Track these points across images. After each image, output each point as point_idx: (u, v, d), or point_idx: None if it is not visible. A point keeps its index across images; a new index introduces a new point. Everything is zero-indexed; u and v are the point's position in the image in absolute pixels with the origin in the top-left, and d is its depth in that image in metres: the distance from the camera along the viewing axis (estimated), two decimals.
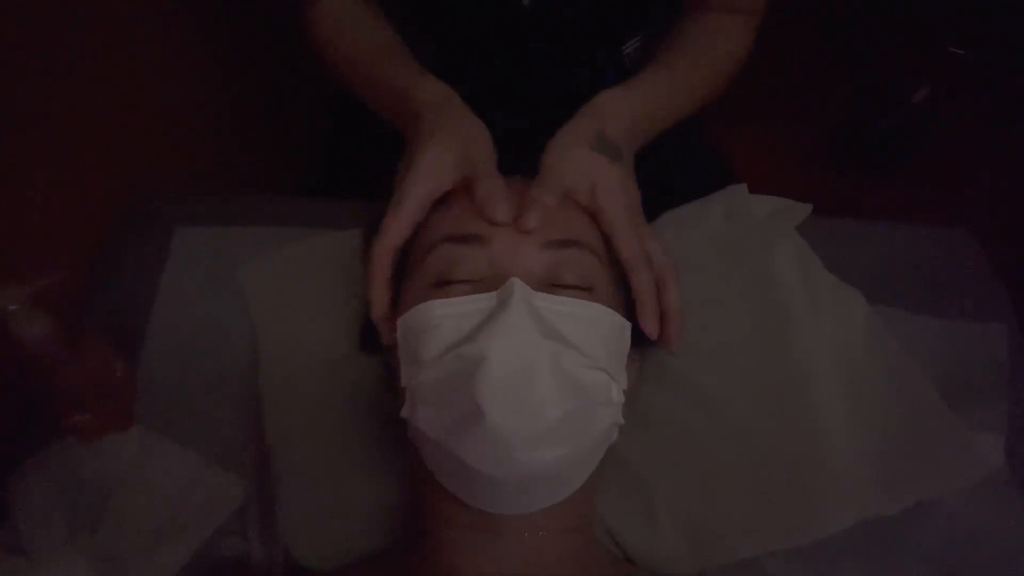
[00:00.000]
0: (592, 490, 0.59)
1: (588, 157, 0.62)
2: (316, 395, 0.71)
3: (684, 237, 0.78)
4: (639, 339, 0.60)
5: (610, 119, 0.66)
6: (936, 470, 0.66)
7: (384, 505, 0.66)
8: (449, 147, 0.61)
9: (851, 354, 0.72)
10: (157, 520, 0.65)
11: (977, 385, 0.73)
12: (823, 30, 1.96)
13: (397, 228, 0.60)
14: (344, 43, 0.81)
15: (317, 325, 0.74)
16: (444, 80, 0.71)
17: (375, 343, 0.65)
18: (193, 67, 1.12)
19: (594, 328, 0.54)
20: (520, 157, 0.64)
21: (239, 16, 1.18)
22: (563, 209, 0.61)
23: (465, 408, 0.49)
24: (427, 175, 0.61)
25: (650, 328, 0.60)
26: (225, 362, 0.75)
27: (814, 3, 1.89)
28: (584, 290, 0.57)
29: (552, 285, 0.56)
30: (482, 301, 0.53)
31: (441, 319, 0.53)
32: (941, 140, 1.77)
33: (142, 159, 0.99)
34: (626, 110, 0.68)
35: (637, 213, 0.64)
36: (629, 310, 0.61)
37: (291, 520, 0.65)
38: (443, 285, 0.56)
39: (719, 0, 0.82)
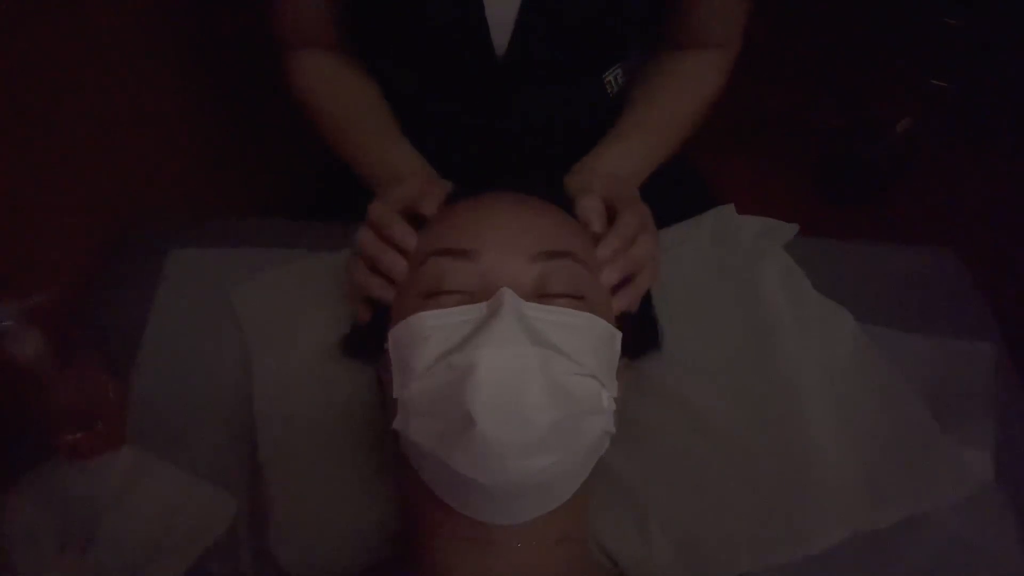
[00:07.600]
0: (584, 500, 0.58)
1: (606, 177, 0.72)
2: (308, 411, 0.71)
3: (672, 255, 0.79)
4: (630, 348, 0.60)
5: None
6: (926, 485, 0.66)
7: (377, 519, 0.66)
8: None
9: (839, 371, 0.73)
10: (148, 539, 0.65)
11: (964, 402, 0.73)
12: (809, 64, 2.00)
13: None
14: (320, 103, 0.85)
15: (309, 344, 0.75)
16: (425, 117, 0.82)
17: (359, 349, 0.66)
18: (189, 91, 1.13)
19: (584, 336, 0.55)
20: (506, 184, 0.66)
21: (235, 41, 1.19)
22: (553, 224, 0.62)
23: (456, 417, 0.49)
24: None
25: (602, 252, 0.63)
26: (217, 382, 0.75)
27: (801, 38, 1.94)
28: (575, 299, 0.57)
29: (542, 296, 0.56)
30: (472, 312, 0.54)
31: (432, 330, 0.54)
32: (924, 169, 1.81)
33: (137, 181, 1.00)
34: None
35: (647, 215, 0.69)
36: (620, 319, 0.61)
37: (283, 535, 0.65)
38: (434, 296, 0.57)
39: (697, 37, 0.84)
